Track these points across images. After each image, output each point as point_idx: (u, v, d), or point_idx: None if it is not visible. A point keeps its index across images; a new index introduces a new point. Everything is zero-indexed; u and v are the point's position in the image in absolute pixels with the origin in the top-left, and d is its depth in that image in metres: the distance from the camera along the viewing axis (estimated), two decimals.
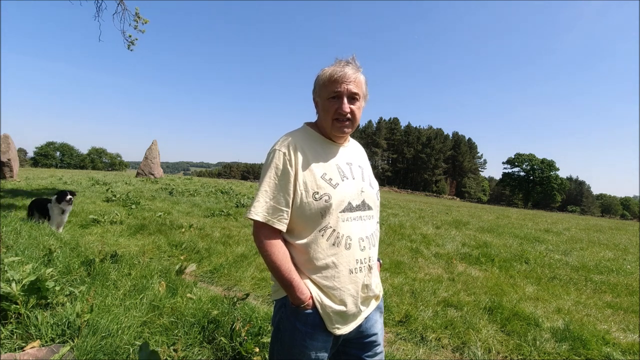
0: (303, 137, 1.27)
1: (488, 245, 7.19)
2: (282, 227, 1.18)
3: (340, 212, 1.18)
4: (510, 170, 66.57)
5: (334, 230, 1.17)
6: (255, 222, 1.18)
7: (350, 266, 1.18)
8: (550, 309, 3.80)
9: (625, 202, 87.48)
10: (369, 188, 1.28)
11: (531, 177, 62.60)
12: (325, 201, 1.16)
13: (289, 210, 1.18)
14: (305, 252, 1.18)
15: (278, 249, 1.17)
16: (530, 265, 5.84)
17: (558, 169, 61.56)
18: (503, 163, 67.03)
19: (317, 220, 1.17)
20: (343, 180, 1.22)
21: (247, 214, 1.18)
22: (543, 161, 61.97)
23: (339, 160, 1.27)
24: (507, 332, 3.07)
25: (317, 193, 1.17)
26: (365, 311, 1.27)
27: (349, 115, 1.21)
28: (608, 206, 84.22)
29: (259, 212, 1.16)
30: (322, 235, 1.17)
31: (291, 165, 1.18)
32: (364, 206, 1.24)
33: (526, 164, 63.48)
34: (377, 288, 1.30)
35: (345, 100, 1.20)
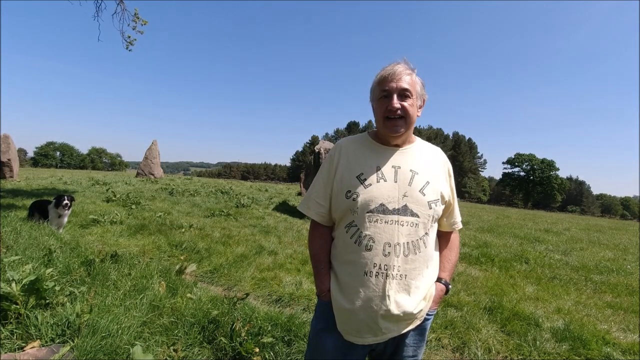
0: (355, 139, 1.33)
1: (488, 245, 7.19)
2: (318, 218, 1.29)
3: (367, 212, 1.16)
4: (510, 170, 66.54)
5: (358, 228, 1.17)
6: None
7: (366, 268, 1.14)
8: (550, 309, 3.80)
9: (625, 202, 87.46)
10: (417, 194, 1.18)
11: (531, 177, 62.55)
12: (353, 199, 1.18)
13: (327, 205, 1.27)
14: (335, 245, 1.27)
15: (315, 240, 1.31)
16: (530, 265, 5.84)
17: (558, 169, 61.54)
18: (503, 163, 67.06)
19: (346, 216, 1.21)
20: (379, 182, 1.19)
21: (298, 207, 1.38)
22: (543, 161, 61.92)
23: (384, 162, 1.22)
24: (507, 332, 3.07)
25: (350, 191, 1.20)
26: (390, 329, 1.17)
27: (399, 112, 1.17)
28: (608, 206, 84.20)
29: (302, 205, 1.34)
30: (347, 232, 1.20)
31: (333, 163, 1.28)
32: (404, 211, 1.16)
33: (526, 164, 63.44)
34: (413, 307, 1.16)
35: (395, 96, 1.17)
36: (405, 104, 1.17)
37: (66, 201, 4.80)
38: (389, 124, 1.19)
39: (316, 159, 10.07)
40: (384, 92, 1.19)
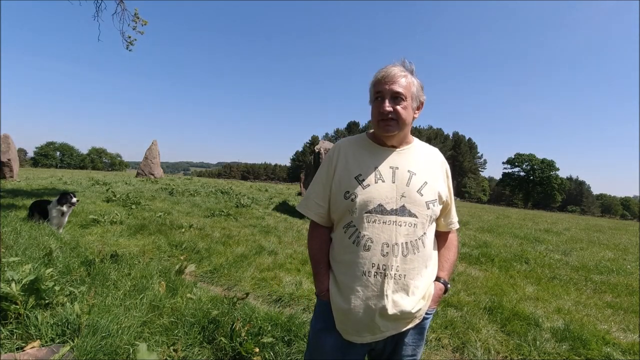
0: (353, 140, 1.33)
1: (488, 245, 7.19)
2: (317, 219, 1.29)
3: (365, 212, 1.16)
4: (510, 170, 66.60)
5: (356, 229, 1.18)
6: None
7: (364, 268, 1.15)
8: (550, 309, 3.80)
9: (625, 202, 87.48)
10: (415, 195, 1.19)
11: (531, 177, 62.58)
12: (352, 200, 1.18)
13: (326, 206, 1.28)
14: (334, 245, 1.27)
15: (314, 240, 1.32)
16: (530, 265, 5.84)
17: (558, 169, 61.60)
18: (503, 163, 67.14)
19: (344, 217, 1.21)
20: (377, 182, 1.19)
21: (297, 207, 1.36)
22: (543, 161, 61.95)
23: (382, 163, 1.23)
24: (507, 332, 3.07)
25: (348, 192, 1.20)
26: (388, 327, 1.18)
27: (391, 115, 1.17)
28: (608, 206, 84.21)
29: (301, 206, 1.33)
30: (345, 232, 1.20)
31: (331, 164, 1.28)
32: (402, 211, 1.17)
33: (526, 164, 63.46)
34: (411, 307, 1.17)
35: (387, 100, 1.17)
36: (398, 107, 1.17)
37: (74, 198, 4.80)
38: (382, 125, 1.20)
39: (316, 159, 10.07)
40: (378, 94, 1.19)
